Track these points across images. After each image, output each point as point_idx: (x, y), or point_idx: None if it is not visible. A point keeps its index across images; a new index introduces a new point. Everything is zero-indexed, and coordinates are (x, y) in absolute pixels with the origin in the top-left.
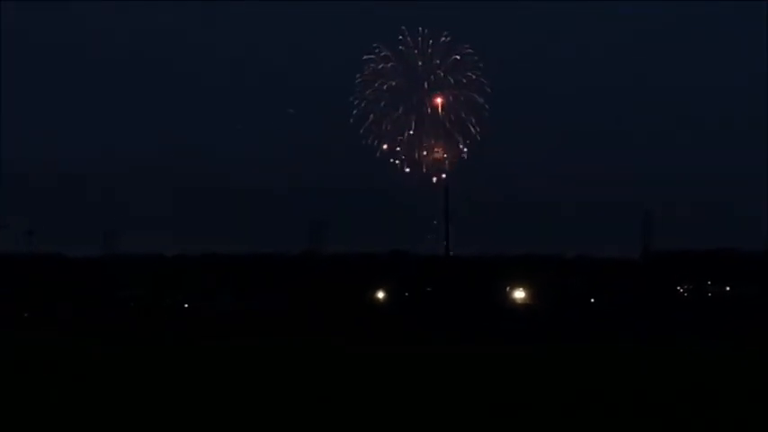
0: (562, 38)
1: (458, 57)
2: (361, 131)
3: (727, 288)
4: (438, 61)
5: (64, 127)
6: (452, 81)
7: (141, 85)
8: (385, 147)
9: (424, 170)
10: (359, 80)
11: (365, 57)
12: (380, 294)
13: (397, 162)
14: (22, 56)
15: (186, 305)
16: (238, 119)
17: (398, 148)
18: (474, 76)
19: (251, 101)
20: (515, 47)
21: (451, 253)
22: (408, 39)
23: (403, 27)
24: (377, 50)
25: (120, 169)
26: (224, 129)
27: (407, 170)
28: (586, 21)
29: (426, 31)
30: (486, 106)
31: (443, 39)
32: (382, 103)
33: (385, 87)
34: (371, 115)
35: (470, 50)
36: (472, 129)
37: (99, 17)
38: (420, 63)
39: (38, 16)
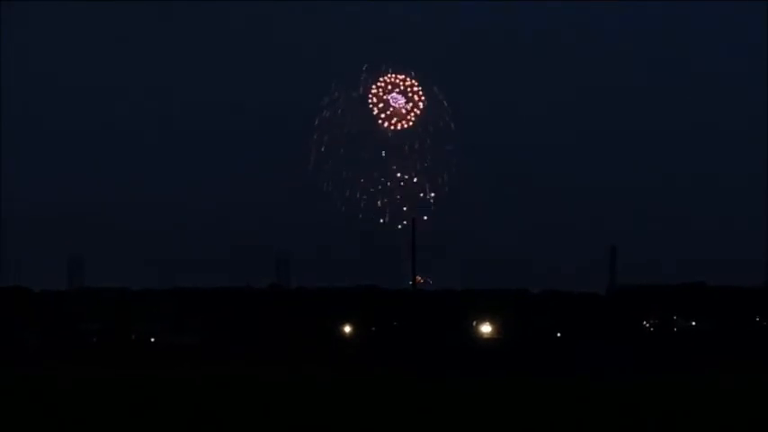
0: (532, 88)
1: (421, 102)
2: (320, 177)
3: (693, 323)
4: (401, 104)
5: (29, 160)
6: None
7: (105, 121)
8: (346, 194)
9: (385, 220)
10: (317, 123)
11: (324, 99)
12: (347, 329)
13: (360, 212)
14: None
15: (152, 339)
16: (202, 157)
17: (358, 196)
18: (441, 123)
19: (216, 137)
20: (484, 94)
21: (430, 281)
22: (369, 81)
23: (364, 66)
24: (335, 93)
25: (85, 203)
26: (188, 165)
27: (360, 216)
28: (550, 72)
29: (390, 70)
30: (452, 151)
31: (409, 80)
32: (341, 150)
33: (345, 132)
34: (330, 161)
35: (439, 95)
36: (439, 179)
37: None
38: (380, 106)
39: None
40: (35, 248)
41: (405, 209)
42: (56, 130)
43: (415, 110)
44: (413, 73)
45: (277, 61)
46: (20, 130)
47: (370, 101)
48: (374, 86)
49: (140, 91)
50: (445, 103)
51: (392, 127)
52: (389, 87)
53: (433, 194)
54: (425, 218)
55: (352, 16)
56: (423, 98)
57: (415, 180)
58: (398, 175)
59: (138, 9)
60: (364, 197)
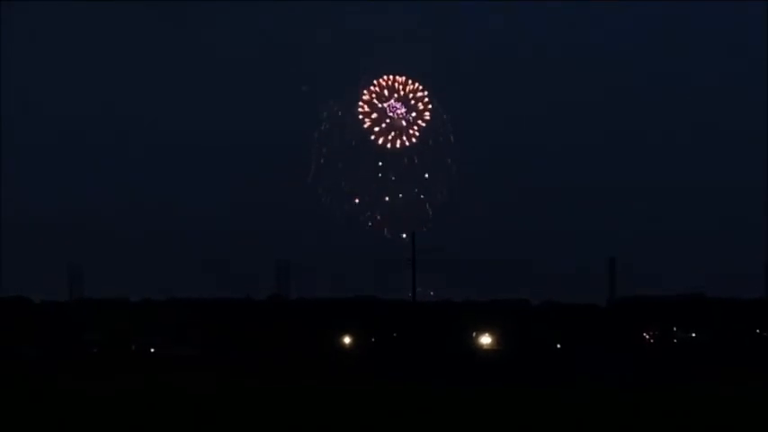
0: (533, 94)
1: (427, 112)
2: (319, 191)
3: (693, 334)
4: (400, 114)
5: (31, 172)
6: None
7: (109, 133)
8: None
9: (385, 232)
10: (316, 136)
11: (322, 112)
12: (347, 339)
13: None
14: None
15: (152, 350)
16: (205, 167)
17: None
18: (441, 139)
19: (216, 149)
20: (485, 104)
21: (431, 292)
22: (365, 92)
23: (363, 73)
24: (334, 107)
25: (87, 214)
26: (189, 177)
27: (367, 225)
28: (555, 81)
29: (391, 78)
30: (453, 165)
31: (411, 84)
32: (339, 164)
33: (344, 144)
34: (329, 174)
35: (439, 107)
36: (438, 193)
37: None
38: (374, 116)
39: None
40: (35, 257)
41: (404, 220)
42: (54, 138)
43: (419, 121)
44: (409, 80)
45: (277, 64)
46: (18, 135)
47: (361, 109)
48: (366, 92)
49: (139, 99)
50: (445, 116)
51: (389, 144)
52: (386, 93)
53: (431, 207)
54: (425, 229)
55: (352, 16)
56: (428, 105)
57: (415, 190)
58: (398, 187)
59: (139, 10)
60: (367, 214)
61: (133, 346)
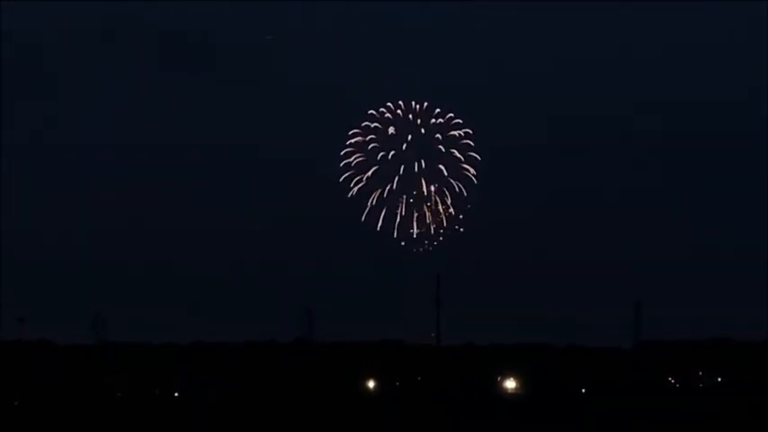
0: (558, 127)
1: (455, 152)
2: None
3: (719, 379)
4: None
5: (53, 212)
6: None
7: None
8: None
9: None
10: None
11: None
12: (371, 383)
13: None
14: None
15: (176, 394)
16: (225, 202)
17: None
18: (458, 187)
19: (235, 182)
20: (507, 130)
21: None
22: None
23: (372, 110)
24: (355, 152)
25: (110, 256)
26: (211, 207)
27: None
28: (575, 114)
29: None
30: (465, 193)
31: (434, 120)
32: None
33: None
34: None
35: (468, 139)
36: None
37: None
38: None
39: None
40: (58, 301)
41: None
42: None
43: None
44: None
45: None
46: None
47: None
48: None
49: (156, 144)
50: (463, 159)
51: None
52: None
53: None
54: (449, 273)
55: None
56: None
57: (440, 239)
58: (422, 230)
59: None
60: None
61: (156, 390)
